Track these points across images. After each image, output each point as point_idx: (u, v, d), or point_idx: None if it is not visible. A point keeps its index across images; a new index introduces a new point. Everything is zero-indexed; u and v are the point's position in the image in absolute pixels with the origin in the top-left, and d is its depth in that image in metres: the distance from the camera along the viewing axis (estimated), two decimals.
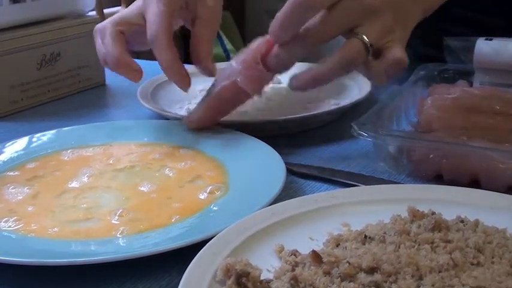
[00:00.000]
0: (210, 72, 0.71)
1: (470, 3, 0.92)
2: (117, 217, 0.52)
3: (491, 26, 0.80)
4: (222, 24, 0.75)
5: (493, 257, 0.41)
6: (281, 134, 0.71)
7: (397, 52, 0.61)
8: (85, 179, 0.59)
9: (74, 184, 0.59)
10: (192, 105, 0.80)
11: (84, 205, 0.54)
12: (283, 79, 0.87)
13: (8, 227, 0.51)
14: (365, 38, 0.59)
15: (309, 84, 0.62)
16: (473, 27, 0.81)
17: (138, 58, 0.79)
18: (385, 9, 0.61)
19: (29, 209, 0.54)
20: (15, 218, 0.52)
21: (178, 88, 0.76)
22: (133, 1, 0.74)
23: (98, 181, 0.59)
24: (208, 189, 0.56)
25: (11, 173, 0.61)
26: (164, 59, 0.66)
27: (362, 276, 0.39)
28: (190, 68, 0.86)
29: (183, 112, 0.79)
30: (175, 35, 0.70)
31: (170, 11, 0.66)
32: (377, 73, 0.62)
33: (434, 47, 0.97)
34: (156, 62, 0.69)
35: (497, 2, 0.90)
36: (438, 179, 0.58)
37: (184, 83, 0.68)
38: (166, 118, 0.75)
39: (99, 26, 0.75)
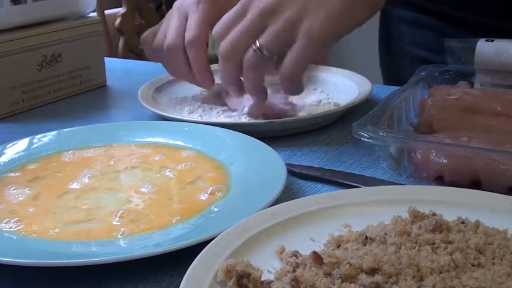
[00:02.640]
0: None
1: (463, 3, 0.92)
2: (117, 218, 0.52)
3: (484, 27, 0.79)
4: None
5: (493, 258, 0.41)
6: (282, 135, 0.72)
7: (283, 67, 0.65)
8: (86, 180, 0.59)
9: (75, 185, 0.59)
10: (193, 107, 0.81)
11: (85, 206, 0.54)
12: None
13: (9, 228, 0.51)
14: (257, 42, 0.65)
15: (253, 96, 0.71)
16: (466, 28, 0.81)
17: (138, 59, 0.80)
18: (284, 5, 0.64)
19: (30, 210, 0.54)
20: (16, 219, 0.52)
21: (179, 89, 0.86)
22: (134, 2, 0.75)
23: (99, 182, 0.59)
24: (209, 191, 0.56)
25: (12, 174, 0.61)
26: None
27: (363, 277, 0.39)
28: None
29: (184, 114, 0.79)
30: None
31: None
32: (283, 85, 0.68)
33: (429, 50, 0.97)
34: (159, 64, 0.72)
35: (490, 3, 0.90)
36: (439, 180, 0.58)
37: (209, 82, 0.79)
38: (167, 120, 0.75)
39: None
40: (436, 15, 0.96)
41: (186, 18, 0.77)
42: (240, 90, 0.72)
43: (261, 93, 0.71)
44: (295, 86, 0.68)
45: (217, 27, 0.70)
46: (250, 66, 0.67)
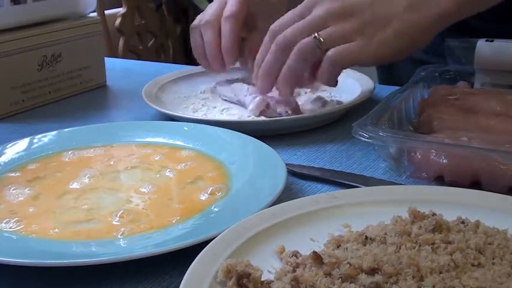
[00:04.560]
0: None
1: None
2: (117, 218, 0.52)
3: (481, 29, 0.79)
4: None
5: (493, 258, 0.41)
6: (282, 134, 0.72)
7: (334, 49, 0.67)
8: (86, 180, 0.59)
9: (75, 185, 0.59)
10: (196, 105, 0.81)
11: (85, 206, 0.54)
12: None
13: (9, 228, 0.51)
14: (317, 33, 0.67)
15: (283, 87, 0.72)
16: (462, 30, 0.81)
17: (138, 59, 0.80)
18: (349, 14, 0.67)
19: (30, 210, 0.54)
20: (17, 219, 0.52)
21: (183, 88, 0.89)
22: (134, 2, 0.75)
23: (99, 182, 0.59)
24: (209, 190, 0.56)
25: (12, 174, 0.61)
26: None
27: (363, 277, 0.39)
28: (195, 68, 0.89)
29: (188, 112, 0.79)
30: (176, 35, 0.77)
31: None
32: (322, 70, 0.69)
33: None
34: (159, 64, 0.73)
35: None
36: (439, 180, 0.58)
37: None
38: (172, 118, 0.75)
39: None
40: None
41: (226, 3, 0.81)
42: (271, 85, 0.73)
43: (291, 89, 0.72)
44: (334, 75, 0.70)
45: (276, 23, 0.71)
46: (302, 51, 0.68)
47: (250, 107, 0.75)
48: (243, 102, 0.78)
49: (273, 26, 0.72)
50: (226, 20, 0.80)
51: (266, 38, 0.72)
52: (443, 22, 0.67)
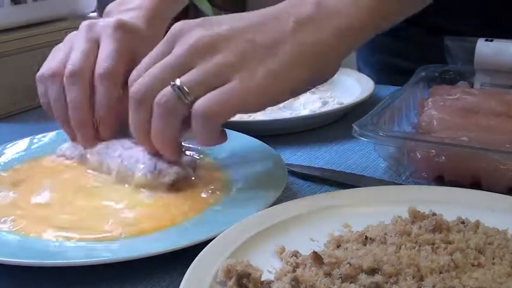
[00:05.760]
0: None
1: (438, 11, 0.91)
2: (117, 218, 0.52)
3: (458, 33, 0.79)
4: None
5: (493, 258, 0.41)
6: (282, 134, 0.72)
7: (203, 100, 0.50)
8: (87, 180, 0.59)
9: (76, 185, 0.58)
10: None
11: (86, 206, 0.54)
12: None
13: (9, 228, 0.51)
14: (177, 80, 0.51)
15: (163, 150, 0.55)
16: (443, 34, 0.81)
17: None
18: (217, 47, 0.51)
19: (30, 210, 0.54)
20: (15, 218, 0.52)
21: None
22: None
23: (99, 182, 0.59)
24: (209, 190, 0.56)
25: (4, 174, 0.61)
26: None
27: (363, 277, 0.39)
28: None
29: None
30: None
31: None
32: (194, 129, 0.51)
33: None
34: None
35: (464, 10, 0.89)
36: (439, 180, 0.58)
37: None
38: None
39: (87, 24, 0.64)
40: (417, 26, 0.95)
41: (97, 43, 0.62)
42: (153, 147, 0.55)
43: (173, 148, 0.54)
44: (213, 131, 0.52)
45: (135, 71, 0.55)
46: (162, 107, 0.51)
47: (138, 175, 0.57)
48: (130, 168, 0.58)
49: (131, 75, 0.55)
50: (101, 79, 0.60)
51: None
52: (348, 39, 0.53)
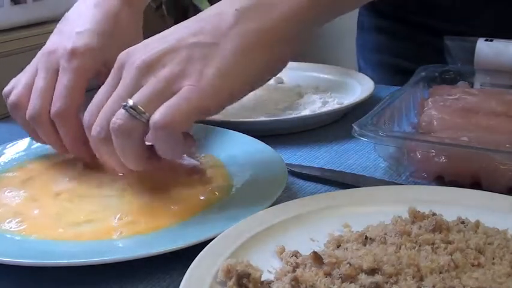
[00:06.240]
0: None
1: (428, 10, 0.91)
2: (117, 218, 0.52)
3: (458, 33, 0.79)
4: None
5: (493, 258, 0.41)
6: (282, 134, 0.72)
7: (158, 113, 0.48)
8: (85, 180, 0.59)
9: (76, 185, 0.59)
10: None
11: (86, 207, 0.54)
12: (285, 79, 0.88)
13: (11, 229, 0.51)
14: (129, 101, 0.50)
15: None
16: (433, 34, 0.80)
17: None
18: (161, 62, 0.51)
19: (30, 210, 0.54)
20: (18, 219, 0.52)
21: None
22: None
23: (100, 181, 0.59)
24: (209, 190, 0.56)
25: (10, 174, 0.62)
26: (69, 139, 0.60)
27: (363, 277, 0.39)
28: None
29: None
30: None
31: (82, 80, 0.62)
32: (156, 145, 0.51)
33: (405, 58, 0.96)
34: None
35: (464, 10, 0.89)
36: (439, 180, 0.58)
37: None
38: None
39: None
40: (417, 26, 0.95)
41: (56, 73, 0.61)
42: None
43: (143, 164, 0.53)
44: (175, 144, 0.50)
45: (88, 114, 0.54)
46: (119, 131, 0.49)
47: None
48: None
49: (84, 117, 0.54)
50: (57, 119, 0.59)
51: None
52: (295, 22, 0.52)
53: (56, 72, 0.61)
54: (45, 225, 0.51)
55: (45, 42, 0.65)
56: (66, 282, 0.46)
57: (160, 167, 0.55)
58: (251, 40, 0.50)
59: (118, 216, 0.52)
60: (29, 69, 0.64)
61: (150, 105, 0.49)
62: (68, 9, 0.70)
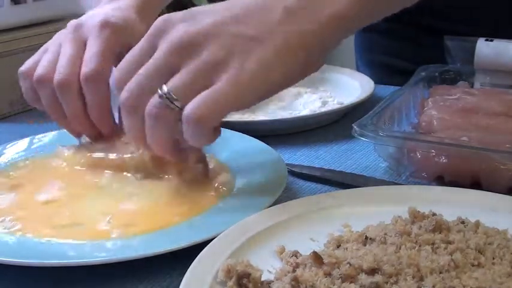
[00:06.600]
0: None
1: (432, 11, 0.91)
2: (117, 218, 0.52)
3: (458, 33, 0.79)
4: None
5: (493, 258, 0.41)
6: (282, 134, 0.72)
7: (191, 105, 0.48)
8: (89, 179, 0.59)
9: (77, 185, 0.59)
10: None
11: (86, 206, 0.54)
12: None
13: (8, 228, 0.51)
14: (164, 87, 0.49)
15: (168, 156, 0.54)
16: (439, 34, 0.80)
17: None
18: (202, 43, 0.49)
19: (29, 210, 0.54)
20: (17, 218, 0.52)
21: None
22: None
23: (99, 181, 0.59)
24: (209, 191, 0.56)
25: (12, 173, 0.62)
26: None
27: (363, 277, 0.39)
28: None
29: None
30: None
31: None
32: (186, 136, 0.50)
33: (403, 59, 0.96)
34: None
35: (464, 10, 0.89)
36: (439, 180, 0.58)
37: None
38: None
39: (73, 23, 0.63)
40: (413, 26, 0.94)
41: (84, 45, 0.61)
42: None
43: (171, 152, 0.53)
44: (202, 134, 0.49)
45: (118, 71, 0.53)
46: (153, 118, 0.50)
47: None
48: None
49: (117, 74, 0.53)
50: (87, 82, 0.59)
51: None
52: (337, 28, 0.50)
53: (84, 43, 0.61)
54: (41, 224, 0.51)
55: (44, 43, 0.65)
56: (66, 282, 0.46)
57: (179, 159, 0.55)
58: (294, 41, 0.49)
59: (118, 216, 0.52)
60: (51, 48, 0.63)
61: (185, 93, 0.48)
62: (68, 9, 0.69)
